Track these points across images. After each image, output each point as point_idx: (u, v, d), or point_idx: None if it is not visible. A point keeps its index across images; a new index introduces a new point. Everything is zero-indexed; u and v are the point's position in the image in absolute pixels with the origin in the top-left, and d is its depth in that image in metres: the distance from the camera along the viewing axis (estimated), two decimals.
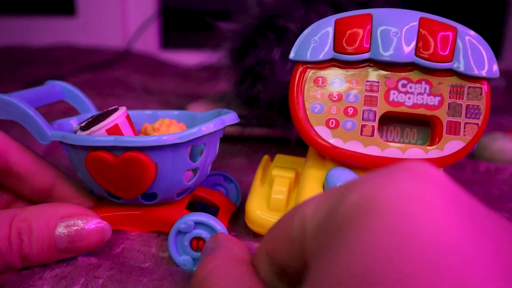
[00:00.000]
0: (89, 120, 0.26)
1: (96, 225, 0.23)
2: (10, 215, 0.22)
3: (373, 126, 0.27)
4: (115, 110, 0.27)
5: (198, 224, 0.24)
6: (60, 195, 0.27)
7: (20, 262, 0.22)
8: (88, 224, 0.23)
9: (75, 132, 0.26)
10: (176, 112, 0.32)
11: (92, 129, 0.25)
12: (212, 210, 0.32)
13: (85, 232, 0.23)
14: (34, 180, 0.26)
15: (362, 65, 0.27)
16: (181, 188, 0.26)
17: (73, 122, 0.29)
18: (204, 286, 0.16)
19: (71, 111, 0.32)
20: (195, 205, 0.33)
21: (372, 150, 0.27)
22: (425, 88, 0.27)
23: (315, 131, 0.27)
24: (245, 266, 0.17)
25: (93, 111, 0.32)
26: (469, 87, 0.26)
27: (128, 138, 0.23)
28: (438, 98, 0.26)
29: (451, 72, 0.26)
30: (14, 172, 0.25)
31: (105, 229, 0.23)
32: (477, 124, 0.26)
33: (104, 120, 0.25)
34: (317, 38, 0.26)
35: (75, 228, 0.23)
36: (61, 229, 0.22)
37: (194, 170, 0.27)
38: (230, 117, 0.27)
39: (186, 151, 0.25)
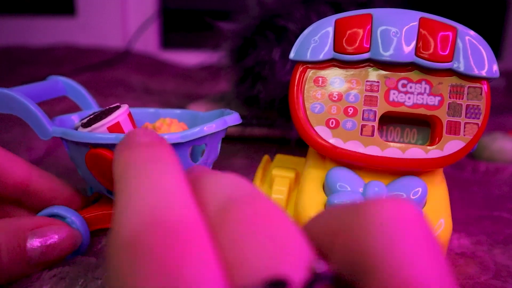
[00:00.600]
0: (91, 117, 0.26)
1: (67, 233, 0.23)
2: None
3: (373, 126, 0.27)
4: (117, 107, 0.27)
5: None
6: (36, 189, 0.26)
7: None
8: (58, 233, 0.23)
9: (76, 129, 0.26)
10: (178, 111, 0.32)
11: (94, 126, 0.25)
12: None
13: (57, 241, 0.23)
14: (6, 176, 0.25)
15: (362, 65, 0.27)
16: None
17: (75, 118, 0.29)
18: None
19: (73, 110, 0.32)
20: None
21: (372, 150, 0.27)
22: (425, 88, 0.27)
23: (315, 131, 0.27)
24: None
25: (95, 108, 0.32)
26: (469, 87, 0.26)
27: None
28: (438, 98, 0.26)
29: (451, 72, 0.26)
30: None
31: (75, 235, 0.24)
32: (477, 124, 0.26)
33: (106, 117, 0.25)
34: (317, 38, 0.26)
35: (46, 237, 0.22)
36: (32, 241, 0.22)
37: None
38: (232, 118, 0.27)
39: (187, 150, 0.25)
